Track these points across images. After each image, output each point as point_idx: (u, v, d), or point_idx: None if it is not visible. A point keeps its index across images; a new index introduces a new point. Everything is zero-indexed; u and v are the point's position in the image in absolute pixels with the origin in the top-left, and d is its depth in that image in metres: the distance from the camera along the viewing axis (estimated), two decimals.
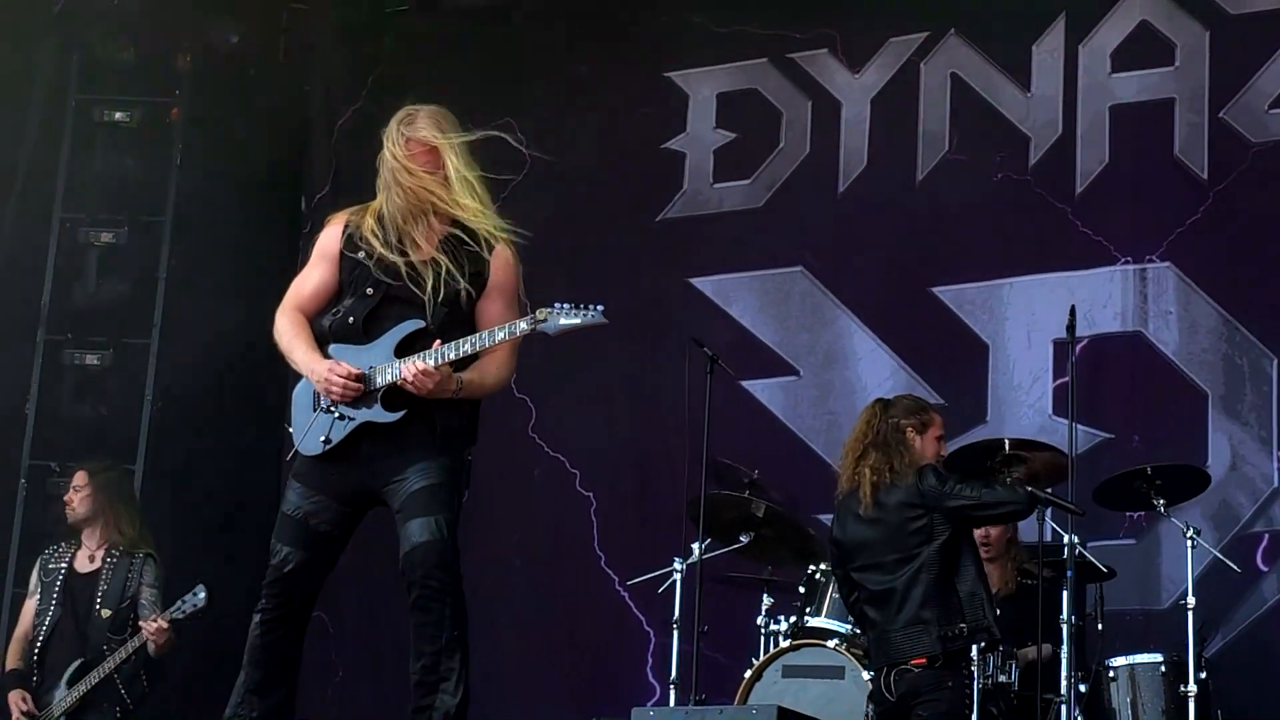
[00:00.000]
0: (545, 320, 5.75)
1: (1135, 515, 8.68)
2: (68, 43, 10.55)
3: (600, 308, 5.79)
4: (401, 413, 5.72)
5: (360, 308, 5.83)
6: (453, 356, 5.70)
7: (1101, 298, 9.14)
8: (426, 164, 5.89)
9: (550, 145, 10.27)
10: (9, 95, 10.21)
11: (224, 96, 10.70)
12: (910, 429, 7.29)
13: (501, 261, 5.93)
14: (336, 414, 5.77)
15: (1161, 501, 7.71)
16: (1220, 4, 9.31)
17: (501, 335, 5.76)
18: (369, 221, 5.89)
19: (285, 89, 11.12)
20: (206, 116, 10.58)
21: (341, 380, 5.71)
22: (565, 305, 5.78)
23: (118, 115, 10.41)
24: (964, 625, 6.95)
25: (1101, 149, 9.43)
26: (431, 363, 5.66)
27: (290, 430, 5.90)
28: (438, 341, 5.71)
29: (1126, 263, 9.19)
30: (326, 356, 5.82)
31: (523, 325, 5.76)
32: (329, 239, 5.98)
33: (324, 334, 5.89)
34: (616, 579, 9.71)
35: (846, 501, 7.30)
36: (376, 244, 5.83)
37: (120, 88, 10.50)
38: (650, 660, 9.57)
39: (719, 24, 10.25)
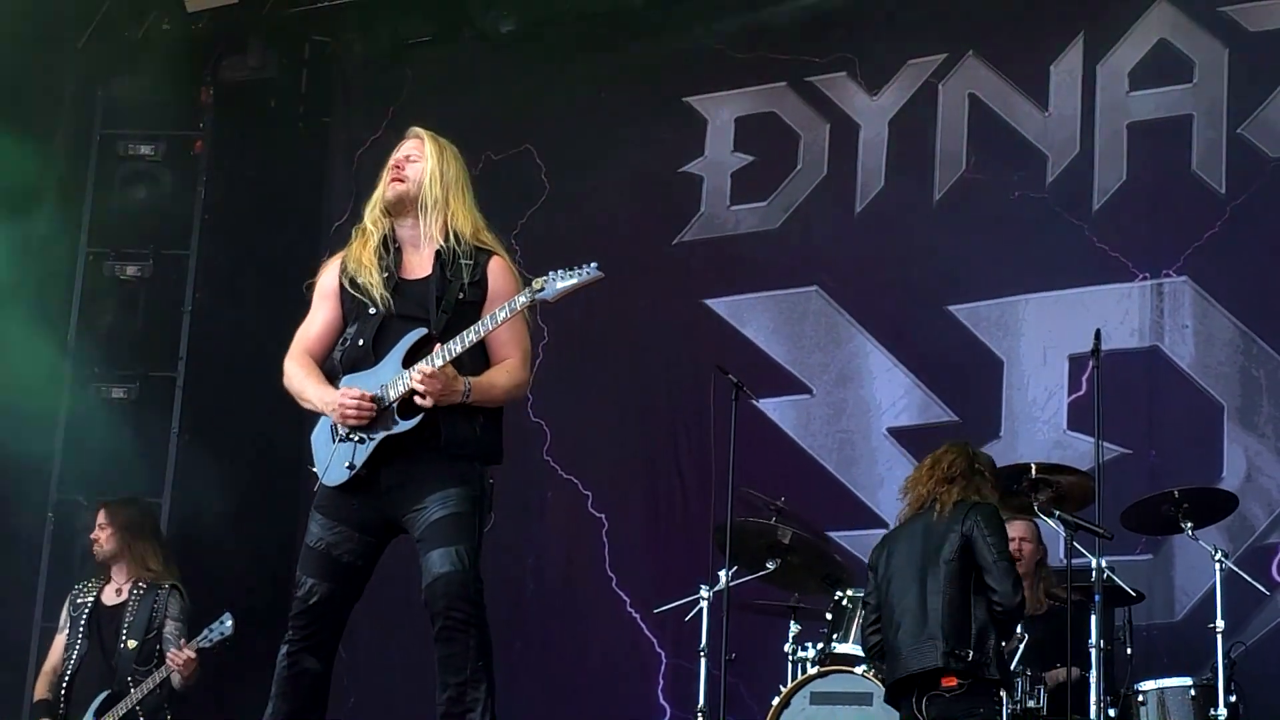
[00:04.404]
0: (542, 289, 5.67)
1: None
2: (91, 78, 10.62)
3: (595, 264, 5.69)
4: (418, 417, 5.71)
5: (367, 329, 5.86)
6: (458, 350, 5.68)
7: (1119, 314, 9.14)
8: (409, 151, 5.94)
9: (569, 170, 10.34)
10: (34, 130, 10.27)
11: (247, 129, 10.77)
12: (990, 484, 7.38)
13: (498, 269, 5.94)
14: (356, 439, 5.79)
15: (1189, 524, 7.69)
16: (1240, 21, 9.31)
17: (503, 315, 5.72)
18: (362, 252, 5.93)
19: (307, 120, 11.20)
20: (230, 149, 10.65)
21: (355, 401, 5.72)
22: (559, 270, 5.71)
23: (142, 149, 10.48)
24: (971, 652, 6.97)
25: (1119, 166, 9.44)
26: (438, 363, 5.66)
27: (314, 470, 5.91)
28: (437, 345, 5.73)
29: (1144, 278, 9.20)
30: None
31: (521, 299, 5.71)
32: (327, 279, 6.02)
33: (334, 369, 5.91)
34: (628, 600, 9.75)
35: (910, 523, 7.35)
36: (373, 269, 5.87)
37: (144, 121, 10.57)
38: (662, 682, 9.61)
39: (738, 50, 10.30)
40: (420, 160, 5.97)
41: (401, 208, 5.96)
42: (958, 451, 7.40)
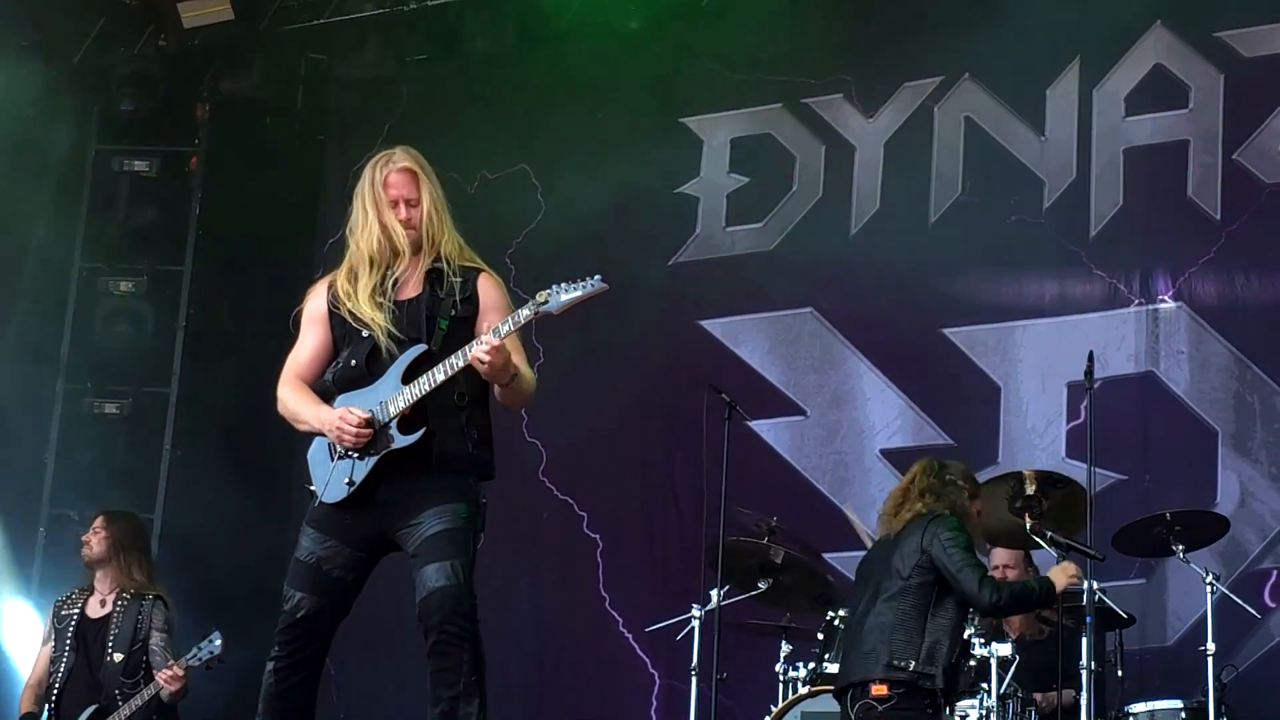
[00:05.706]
0: (546, 302, 5.68)
1: None
2: (87, 93, 10.63)
3: (599, 276, 5.68)
4: (418, 433, 5.72)
5: (360, 350, 5.86)
6: (505, 331, 5.63)
7: (1115, 340, 9.16)
8: (408, 191, 5.93)
9: (564, 190, 10.34)
10: (29, 146, 10.27)
11: (242, 145, 10.77)
12: (967, 492, 7.38)
13: (488, 284, 5.94)
14: (356, 455, 5.78)
15: (1180, 547, 7.68)
16: (1235, 47, 9.34)
17: (506, 328, 5.71)
18: (350, 276, 5.92)
19: (302, 137, 11.20)
20: (225, 165, 10.65)
21: (354, 430, 5.73)
22: (562, 283, 5.71)
23: (137, 165, 10.48)
24: (914, 664, 6.97)
25: (1115, 191, 9.46)
26: (496, 339, 5.63)
27: (311, 489, 5.89)
28: (487, 328, 5.67)
29: (1140, 304, 9.22)
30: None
31: (525, 312, 5.70)
32: (315, 305, 6.00)
33: (327, 390, 5.90)
34: (621, 620, 9.74)
35: (880, 541, 7.41)
36: (364, 292, 5.88)
37: (139, 138, 10.57)
38: (655, 702, 9.59)
39: (735, 71, 10.31)
40: (419, 203, 5.93)
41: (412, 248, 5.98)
42: (922, 468, 7.42)
